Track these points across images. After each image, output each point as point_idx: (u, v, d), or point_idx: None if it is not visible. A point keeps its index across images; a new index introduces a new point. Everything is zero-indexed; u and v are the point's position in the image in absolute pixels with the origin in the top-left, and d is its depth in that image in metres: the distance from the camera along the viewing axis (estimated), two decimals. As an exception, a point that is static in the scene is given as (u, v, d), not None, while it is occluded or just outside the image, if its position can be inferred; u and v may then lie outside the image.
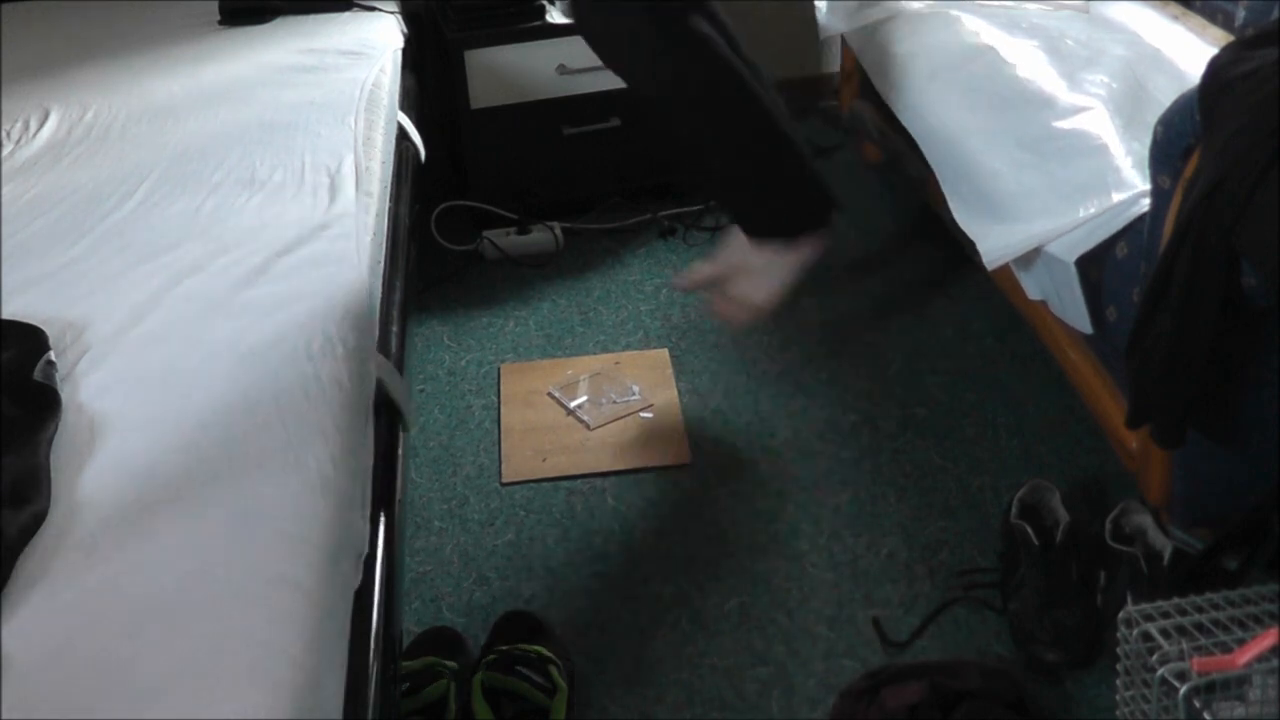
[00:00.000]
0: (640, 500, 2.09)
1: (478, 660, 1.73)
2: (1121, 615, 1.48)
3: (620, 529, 2.03)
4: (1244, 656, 1.35)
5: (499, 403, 2.35)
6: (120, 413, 1.38)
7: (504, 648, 1.73)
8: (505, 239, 2.83)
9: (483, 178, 2.89)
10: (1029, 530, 1.82)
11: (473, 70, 2.77)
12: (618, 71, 2.07)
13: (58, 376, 1.43)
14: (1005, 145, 2.04)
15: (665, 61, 1.96)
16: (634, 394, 2.33)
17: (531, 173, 2.90)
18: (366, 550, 1.32)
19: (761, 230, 2.03)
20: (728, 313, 2.13)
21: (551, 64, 2.78)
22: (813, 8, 2.72)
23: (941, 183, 2.22)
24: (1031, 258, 1.93)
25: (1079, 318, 1.85)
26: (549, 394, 2.34)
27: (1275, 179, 1.37)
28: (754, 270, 2.05)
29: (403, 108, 2.39)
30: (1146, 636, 1.43)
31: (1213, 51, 1.56)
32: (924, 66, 2.32)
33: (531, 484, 2.15)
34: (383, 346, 1.65)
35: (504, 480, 2.16)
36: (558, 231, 2.84)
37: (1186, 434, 1.61)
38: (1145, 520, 1.79)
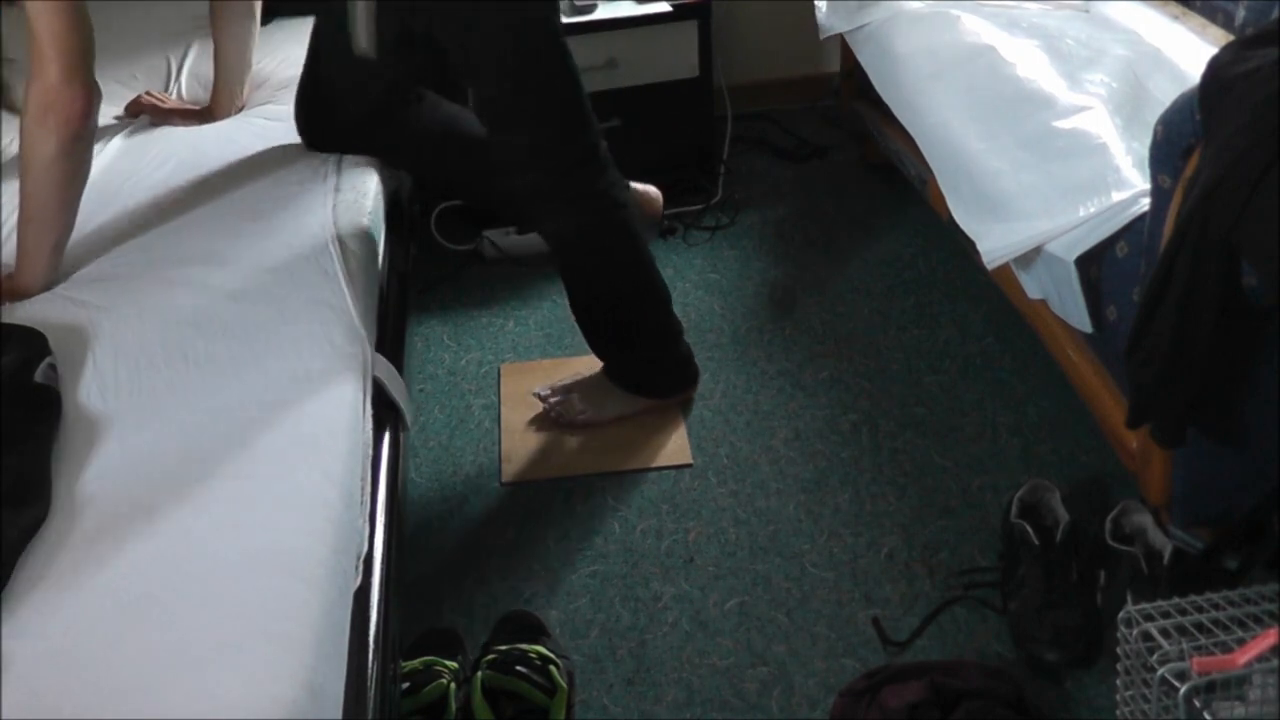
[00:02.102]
0: (640, 500, 2.09)
1: (478, 660, 1.73)
2: (1121, 615, 1.49)
3: (620, 529, 2.04)
4: (1244, 656, 1.35)
5: (499, 403, 2.35)
6: (120, 414, 1.38)
7: (504, 648, 1.73)
8: (505, 239, 2.82)
9: (483, 178, 2.89)
10: (1029, 530, 1.82)
11: (472, 70, 2.76)
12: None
13: (58, 379, 1.43)
14: (1005, 145, 2.04)
15: (569, 214, 2.09)
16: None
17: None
18: (366, 550, 1.32)
19: (623, 383, 2.25)
20: (556, 411, 2.26)
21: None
22: (813, 8, 2.72)
23: (941, 183, 2.22)
24: (1031, 257, 1.93)
25: (1079, 317, 1.85)
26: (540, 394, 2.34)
27: (1275, 179, 1.37)
28: (600, 398, 2.25)
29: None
30: (1146, 636, 1.43)
31: (1213, 51, 1.56)
32: (924, 66, 2.32)
33: (531, 484, 2.15)
34: (382, 347, 1.65)
35: (504, 480, 2.16)
36: (558, 231, 2.84)
37: (1187, 434, 1.61)
38: (1145, 520, 1.79)
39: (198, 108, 2.22)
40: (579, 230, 2.10)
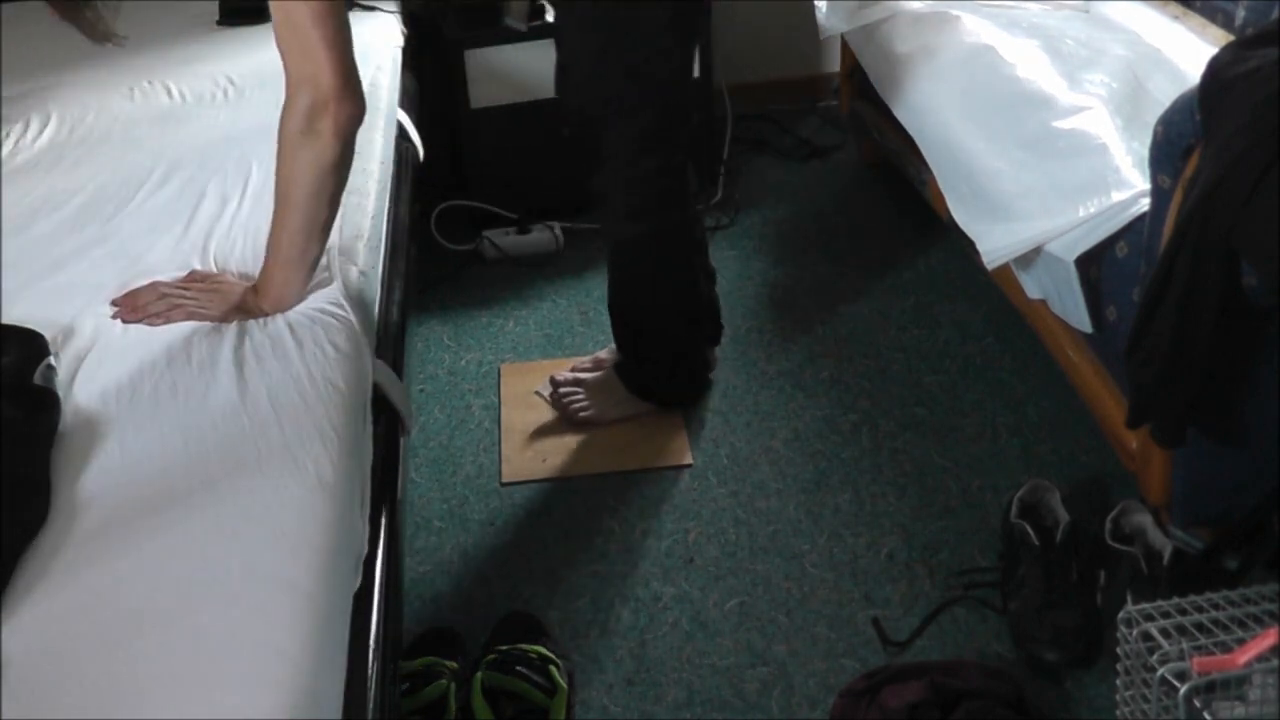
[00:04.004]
0: (640, 500, 2.09)
1: (478, 660, 1.73)
2: (1121, 615, 1.49)
3: (620, 529, 2.04)
4: (1244, 656, 1.35)
5: (499, 403, 2.35)
6: (119, 416, 1.38)
7: (504, 648, 1.73)
8: (505, 239, 2.82)
9: (482, 178, 2.89)
10: (1029, 530, 1.82)
11: (472, 70, 2.77)
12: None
13: (57, 380, 1.43)
14: (1005, 145, 2.04)
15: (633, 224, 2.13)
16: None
17: (531, 173, 2.89)
18: (366, 551, 1.32)
19: (633, 385, 2.26)
20: (563, 402, 2.28)
21: (551, 64, 2.77)
22: (813, 8, 2.72)
23: (941, 183, 2.22)
24: (1031, 257, 1.93)
25: (1079, 317, 1.85)
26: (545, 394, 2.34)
27: (1275, 179, 1.37)
28: (607, 397, 2.26)
29: (402, 107, 2.39)
30: (1146, 636, 1.43)
31: (1213, 51, 1.56)
32: (924, 66, 2.32)
33: (531, 484, 2.15)
34: (381, 348, 1.65)
35: (504, 480, 2.16)
36: (558, 231, 2.84)
37: (1187, 434, 1.61)
38: (1145, 520, 1.79)
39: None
40: (650, 236, 2.12)
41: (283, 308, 1.57)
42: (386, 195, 2.02)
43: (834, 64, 3.03)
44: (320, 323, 1.53)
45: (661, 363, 2.26)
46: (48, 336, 1.48)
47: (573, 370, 2.34)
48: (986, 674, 1.66)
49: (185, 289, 1.61)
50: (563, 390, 2.29)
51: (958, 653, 1.77)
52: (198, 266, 1.69)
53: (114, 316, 1.58)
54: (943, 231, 2.41)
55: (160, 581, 1.15)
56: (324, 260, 1.64)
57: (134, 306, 1.58)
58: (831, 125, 3.24)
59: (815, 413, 2.26)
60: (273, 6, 1.49)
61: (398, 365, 1.71)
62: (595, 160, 2.10)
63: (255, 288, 1.59)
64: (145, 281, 1.63)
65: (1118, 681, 1.51)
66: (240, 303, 1.58)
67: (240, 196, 1.88)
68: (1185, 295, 1.48)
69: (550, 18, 2.76)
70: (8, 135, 2.15)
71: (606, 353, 2.35)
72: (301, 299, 1.59)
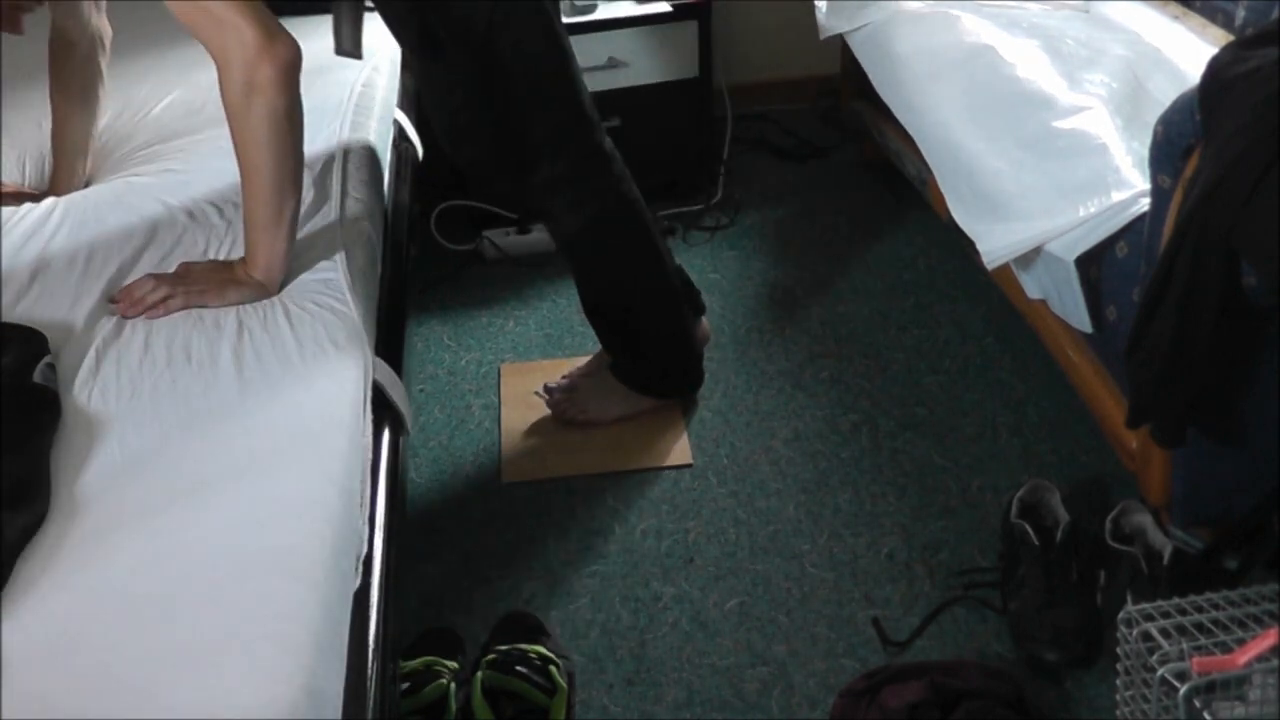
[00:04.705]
0: (640, 500, 2.09)
1: (478, 660, 1.73)
2: (1121, 615, 1.49)
3: (620, 529, 2.04)
4: (1244, 656, 1.35)
5: (499, 403, 2.35)
6: (119, 415, 1.38)
7: (504, 648, 1.73)
8: (505, 239, 2.82)
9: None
10: (1029, 530, 1.82)
11: (472, 70, 2.76)
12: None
13: (57, 379, 1.43)
14: (1005, 145, 2.04)
15: (584, 210, 2.09)
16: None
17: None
18: (366, 551, 1.32)
19: (630, 382, 2.24)
20: (561, 407, 2.28)
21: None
22: (813, 8, 2.72)
23: (941, 183, 2.22)
24: (1031, 257, 1.93)
25: (1079, 317, 1.85)
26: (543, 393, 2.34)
27: (1275, 179, 1.37)
28: (604, 396, 2.25)
29: (402, 107, 2.39)
30: (1146, 636, 1.43)
31: (1213, 51, 1.56)
32: (924, 66, 2.32)
33: (531, 484, 2.15)
34: (381, 349, 1.65)
35: (504, 480, 2.16)
36: (558, 231, 2.84)
37: (1187, 434, 1.61)
38: (1145, 520, 1.79)
39: (36, 193, 1.99)
40: (588, 223, 2.09)
41: (274, 273, 1.60)
42: (387, 195, 2.02)
43: (834, 64, 3.03)
44: (321, 321, 1.53)
45: (651, 352, 2.25)
46: (48, 335, 1.48)
47: (574, 371, 2.33)
48: (986, 674, 1.66)
49: (181, 278, 1.62)
50: (558, 396, 2.28)
51: (958, 653, 1.77)
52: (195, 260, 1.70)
53: (113, 313, 1.58)
54: (943, 231, 2.41)
55: (160, 580, 1.15)
56: (326, 263, 1.64)
57: (133, 300, 1.59)
58: (831, 125, 3.23)
59: (815, 413, 2.26)
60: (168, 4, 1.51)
61: (398, 365, 1.71)
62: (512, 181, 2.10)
63: (244, 260, 1.61)
64: (139, 276, 1.64)
65: (1118, 681, 1.51)
66: (233, 277, 1.60)
67: (235, 197, 1.87)
68: (1185, 295, 1.48)
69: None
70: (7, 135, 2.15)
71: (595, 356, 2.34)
72: (287, 264, 1.61)
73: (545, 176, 2.03)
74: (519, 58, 1.92)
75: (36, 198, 1.95)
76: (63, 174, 2.01)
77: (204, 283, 1.60)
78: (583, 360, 2.36)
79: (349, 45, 1.91)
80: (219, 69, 1.53)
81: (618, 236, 2.12)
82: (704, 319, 2.36)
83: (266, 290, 1.60)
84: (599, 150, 2.06)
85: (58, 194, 1.96)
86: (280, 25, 1.54)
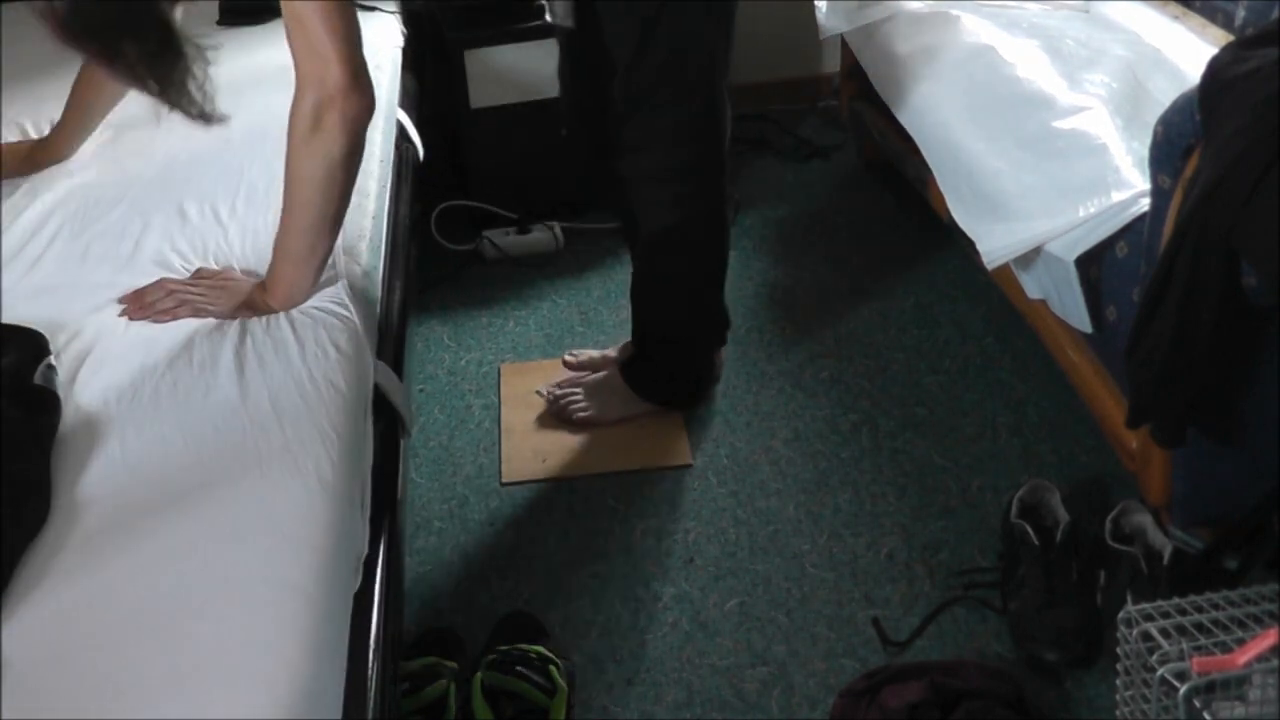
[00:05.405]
0: (640, 500, 2.09)
1: (478, 660, 1.73)
2: (1121, 615, 1.48)
3: (620, 529, 2.04)
4: (1244, 656, 1.35)
5: (499, 403, 2.35)
6: (119, 416, 1.38)
7: (504, 648, 1.73)
8: (505, 239, 2.82)
9: (482, 178, 2.89)
10: (1029, 530, 1.82)
11: (472, 70, 2.76)
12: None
13: (57, 380, 1.43)
14: (1005, 145, 2.04)
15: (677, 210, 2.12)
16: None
17: (531, 173, 2.89)
18: (366, 552, 1.32)
19: (638, 385, 2.25)
20: (560, 405, 2.28)
21: (551, 64, 2.78)
22: (813, 8, 2.72)
23: (941, 183, 2.22)
24: (1031, 257, 1.93)
25: (1079, 317, 1.85)
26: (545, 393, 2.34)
27: (1275, 179, 1.37)
28: (608, 397, 2.26)
29: (402, 107, 2.39)
30: (1146, 636, 1.43)
31: (1213, 51, 1.56)
32: (924, 66, 2.32)
33: (531, 484, 2.15)
34: (382, 349, 1.65)
35: (504, 480, 2.16)
36: (558, 231, 2.84)
37: (1187, 434, 1.61)
38: (1145, 520, 1.79)
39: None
40: (688, 217, 2.11)
41: (291, 305, 1.57)
42: (387, 195, 2.02)
43: (834, 64, 3.03)
44: (323, 323, 1.53)
45: (670, 364, 2.26)
46: (48, 336, 1.48)
47: (579, 365, 2.34)
48: (986, 674, 1.66)
49: (193, 286, 1.61)
50: (557, 395, 2.28)
51: (958, 653, 1.77)
52: (199, 264, 1.69)
53: (121, 314, 1.58)
54: (943, 231, 2.41)
55: (160, 582, 1.15)
56: (330, 259, 1.64)
57: (141, 304, 1.58)
58: (831, 125, 3.23)
59: (815, 413, 2.26)
60: (283, 5, 1.48)
61: (398, 366, 1.71)
62: (610, 154, 2.09)
63: (263, 285, 1.59)
64: (152, 279, 1.64)
65: (1118, 681, 1.51)
66: (248, 300, 1.58)
67: (234, 198, 1.87)
68: (1185, 295, 1.48)
69: (550, 17, 2.76)
70: (7, 137, 2.15)
71: (615, 350, 2.34)
72: (310, 296, 1.59)
73: (664, 164, 2.06)
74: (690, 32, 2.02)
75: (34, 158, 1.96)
76: (64, 134, 2.00)
77: (217, 302, 1.58)
78: (591, 352, 2.37)
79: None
80: (296, 90, 1.51)
81: (699, 242, 2.14)
82: (723, 350, 2.36)
83: (278, 309, 1.59)
84: (719, 164, 2.12)
85: (54, 155, 1.98)
86: (368, 76, 1.53)
